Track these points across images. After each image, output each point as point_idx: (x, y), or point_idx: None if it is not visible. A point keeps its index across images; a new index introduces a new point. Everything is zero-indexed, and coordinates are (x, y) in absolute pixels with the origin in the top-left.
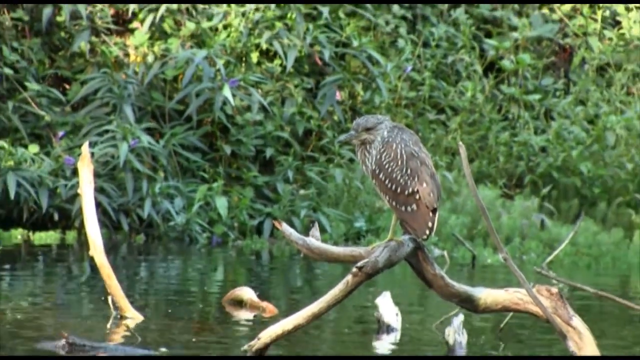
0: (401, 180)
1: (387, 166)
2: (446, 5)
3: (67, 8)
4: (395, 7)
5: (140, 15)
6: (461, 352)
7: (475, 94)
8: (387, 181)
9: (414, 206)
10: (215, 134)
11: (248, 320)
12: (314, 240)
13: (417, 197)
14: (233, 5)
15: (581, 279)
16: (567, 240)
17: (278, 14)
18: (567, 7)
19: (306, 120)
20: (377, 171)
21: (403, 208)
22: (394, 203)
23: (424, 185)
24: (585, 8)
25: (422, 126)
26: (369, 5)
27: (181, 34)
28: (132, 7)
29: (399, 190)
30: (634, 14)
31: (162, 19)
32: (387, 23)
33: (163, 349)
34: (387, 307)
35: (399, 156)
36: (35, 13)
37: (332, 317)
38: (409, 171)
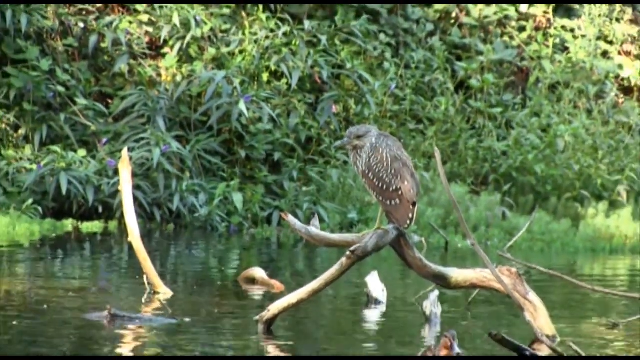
0: (387, 179)
1: (375, 167)
2: (424, 34)
3: (109, 36)
4: (382, 36)
5: (170, 42)
6: (436, 321)
7: (448, 108)
8: (375, 180)
9: (397, 200)
10: (233, 141)
11: (259, 295)
12: (314, 228)
13: (400, 192)
14: (247, 34)
15: (536, 261)
16: (524, 229)
17: (284, 41)
18: (524, 35)
19: (308, 129)
20: (367, 171)
21: (388, 202)
22: (380, 198)
23: (406, 183)
24: (539, 36)
25: (404, 134)
26: (360, 34)
27: (204, 57)
28: (164, 35)
29: (385, 187)
30: (579, 41)
31: (189, 45)
32: (375, 49)
33: (187, 319)
34: (375, 284)
35: (385, 159)
36: (83, 40)
37: (329, 293)
38: (393, 171)
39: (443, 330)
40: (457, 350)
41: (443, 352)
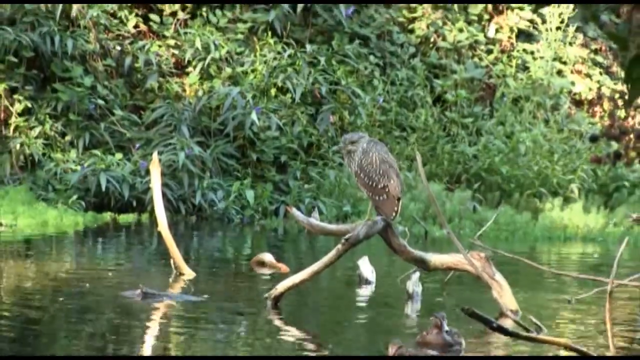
0: (376, 178)
1: (366, 168)
2: (407, 55)
3: (142, 57)
4: (372, 57)
5: (193, 63)
6: (417, 298)
7: (427, 118)
8: (366, 179)
9: (385, 196)
10: (246, 146)
11: (268, 276)
12: (314, 220)
13: (387, 190)
14: (258, 56)
15: (502, 247)
16: (492, 220)
17: (289, 62)
18: (491, 56)
19: (309, 136)
20: (359, 171)
21: (377, 197)
22: (370, 194)
23: (392, 181)
24: (504, 57)
25: (390, 140)
26: (353, 56)
27: (222, 76)
28: (188, 56)
29: (374, 185)
30: (538, 62)
31: (209, 65)
32: (365, 68)
33: (207, 296)
34: (365, 267)
35: (374, 161)
36: (120, 61)
37: (327, 274)
38: (381, 172)
39: (423, 305)
40: (446, 328)
41: (434, 331)
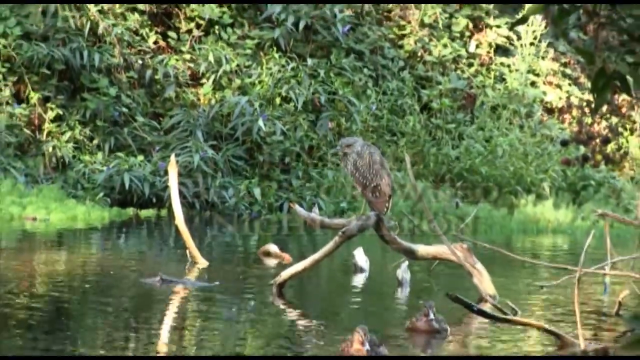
0: (369, 177)
1: (360, 168)
2: (397, 68)
3: (161, 70)
4: (365, 70)
5: (207, 75)
6: (406, 284)
7: (415, 124)
8: (360, 178)
9: (377, 194)
10: (254, 149)
11: (273, 265)
12: (315, 215)
13: (379, 188)
14: (264, 68)
15: (481, 239)
16: (472, 215)
17: (292, 74)
18: (472, 69)
19: (310, 140)
20: (354, 172)
21: (370, 195)
22: (364, 191)
23: (383, 180)
24: (484, 70)
25: (382, 144)
26: (349, 69)
27: (232, 86)
28: (202, 69)
29: (367, 184)
30: (514, 74)
31: (220, 77)
32: (360, 79)
33: (217, 282)
34: (360, 257)
35: (367, 162)
36: (141, 73)
37: (326, 263)
38: (374, 172)
39: (411, 291)
40: (432, 317)
41: (423, 319)
